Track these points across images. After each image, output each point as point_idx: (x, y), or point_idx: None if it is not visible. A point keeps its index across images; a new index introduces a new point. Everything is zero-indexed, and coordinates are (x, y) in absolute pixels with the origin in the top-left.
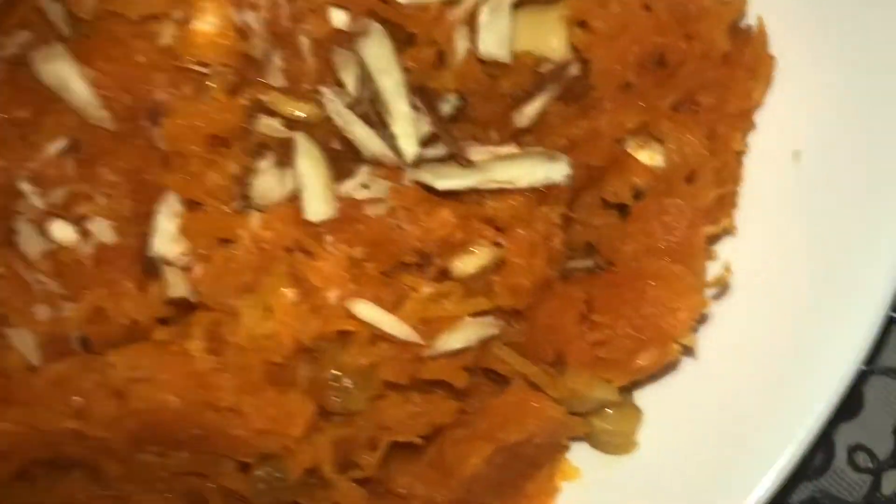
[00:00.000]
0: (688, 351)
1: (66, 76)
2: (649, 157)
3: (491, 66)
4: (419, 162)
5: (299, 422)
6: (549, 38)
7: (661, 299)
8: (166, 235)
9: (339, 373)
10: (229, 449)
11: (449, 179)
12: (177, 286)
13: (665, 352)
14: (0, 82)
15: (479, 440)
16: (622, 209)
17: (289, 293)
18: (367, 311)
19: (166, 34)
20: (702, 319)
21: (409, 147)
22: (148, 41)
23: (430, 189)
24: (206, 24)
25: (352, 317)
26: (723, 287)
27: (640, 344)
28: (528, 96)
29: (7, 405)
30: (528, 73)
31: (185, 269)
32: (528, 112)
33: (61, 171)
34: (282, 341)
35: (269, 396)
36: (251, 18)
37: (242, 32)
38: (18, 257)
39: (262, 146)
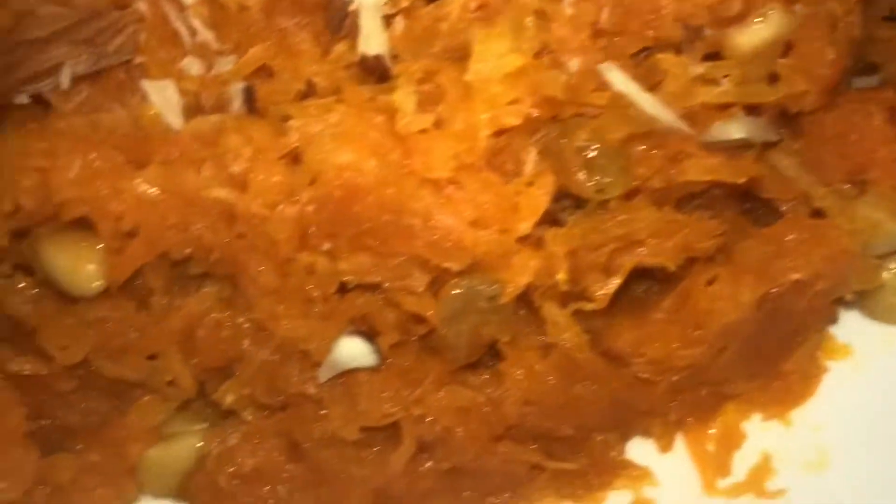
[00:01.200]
0: None
1: None
2: None
3: None
4: None
5: (529, 214)
6: None
7: None
8: None
9: (592, 143)
10: (427, 249)
11: None
12: (372, 41)
13: None
14: None
15: (749, 276)
16: None
17: (531, 38)
18: (623, 81)
19: None
20: None
21: None
22: None
23: None
24: None
25: (601, 89)
26: None
27: None
28: None
29: (140, 167)
30: None
31: (384, 20)
32: None
33: None
34: (523, 92)
35: (490, 177)
36: None
37: None
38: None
39: None
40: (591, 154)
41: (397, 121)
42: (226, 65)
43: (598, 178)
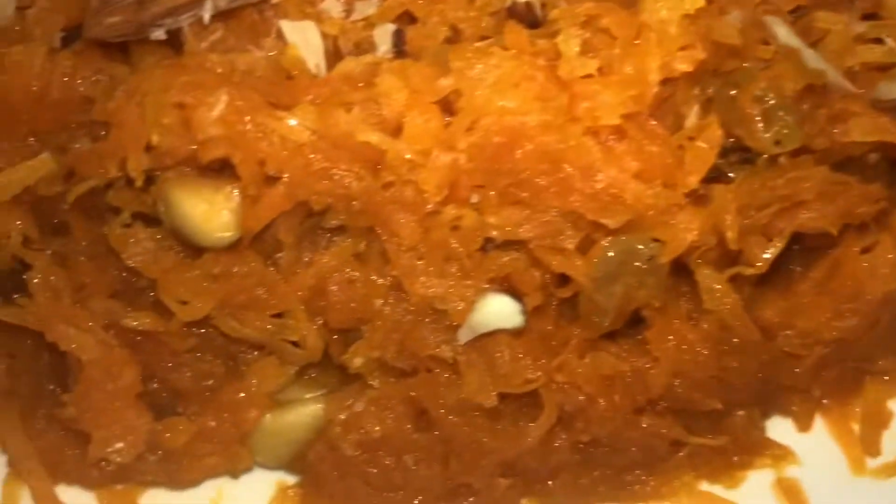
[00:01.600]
0: None
1: None
2: None
3: None
4: None
5: (697, 168)
6: None
7: None
8: None
9: (768, 94)
10: (584, 202)
11: None
12: None
13: None
14: None
15: None
16: None
17: None
18: (788, 34)
19: None
20: None
21: None
22: None
23: None
24: None
25: (764, 42)
26: None
27: None
28: None
29: (285, 109)
30: None
31: None
32: None
33: None
34: (695, 38)
35: (656, 128)
36: None
37: None
38: None
39: None
40: (768, 105)
41: (560, 65)
42: (367, 9)
43: (776, 128)
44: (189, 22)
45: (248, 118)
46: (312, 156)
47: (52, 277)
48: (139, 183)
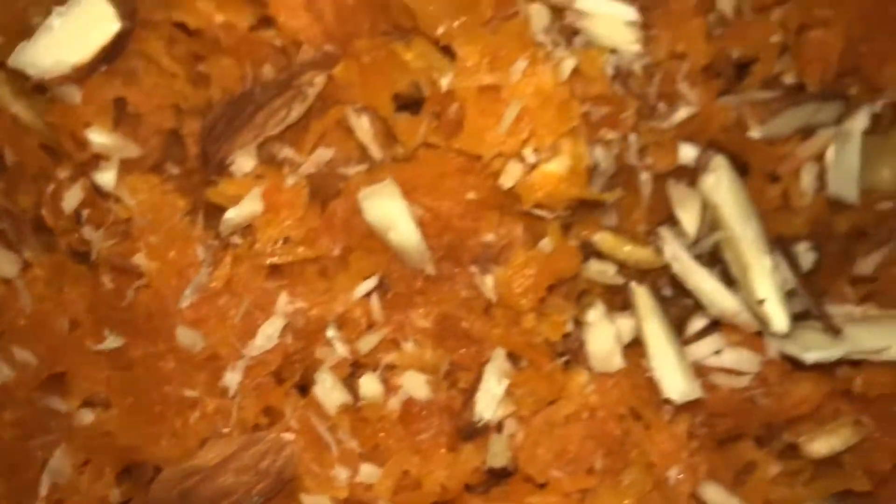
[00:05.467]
0: None
1: (395, 216)
2: None
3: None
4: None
5: None
6: (882, 170)
7: None
8: (492, 398)
9: None
10: None
11: (817, 351)
12: (499, 456)
13: None
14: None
15: None
16: None
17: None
18: (715, 494)
19: (511, 174)
20: None
21: (780, 317)
22: (481, 178)
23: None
24: (559, 165)
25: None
26: None
27: None
28: (866, 239)
29: None
30: (865, 211)
31: (510, 435)
32: (873, 260)
33: (368, 315)
34: None
35: None
36: (602, 156)
37: (589, 173)
38: (315, 411)
39: (585, 293)
40: None
41: None
42: (371, 476)
43: None
44: None
45: None
46: None
47: None
48: None
